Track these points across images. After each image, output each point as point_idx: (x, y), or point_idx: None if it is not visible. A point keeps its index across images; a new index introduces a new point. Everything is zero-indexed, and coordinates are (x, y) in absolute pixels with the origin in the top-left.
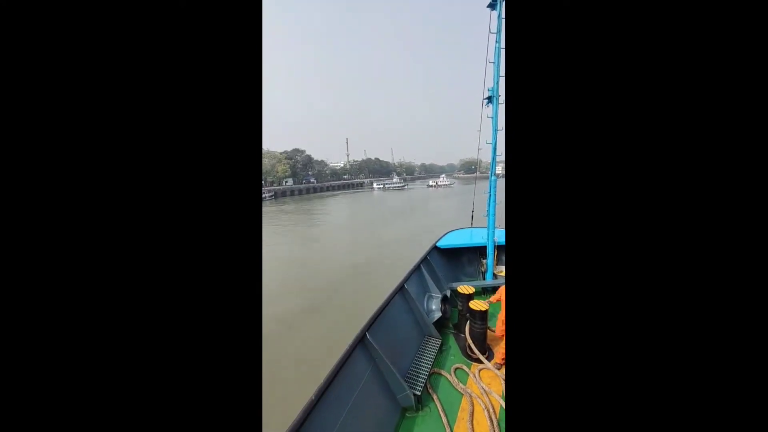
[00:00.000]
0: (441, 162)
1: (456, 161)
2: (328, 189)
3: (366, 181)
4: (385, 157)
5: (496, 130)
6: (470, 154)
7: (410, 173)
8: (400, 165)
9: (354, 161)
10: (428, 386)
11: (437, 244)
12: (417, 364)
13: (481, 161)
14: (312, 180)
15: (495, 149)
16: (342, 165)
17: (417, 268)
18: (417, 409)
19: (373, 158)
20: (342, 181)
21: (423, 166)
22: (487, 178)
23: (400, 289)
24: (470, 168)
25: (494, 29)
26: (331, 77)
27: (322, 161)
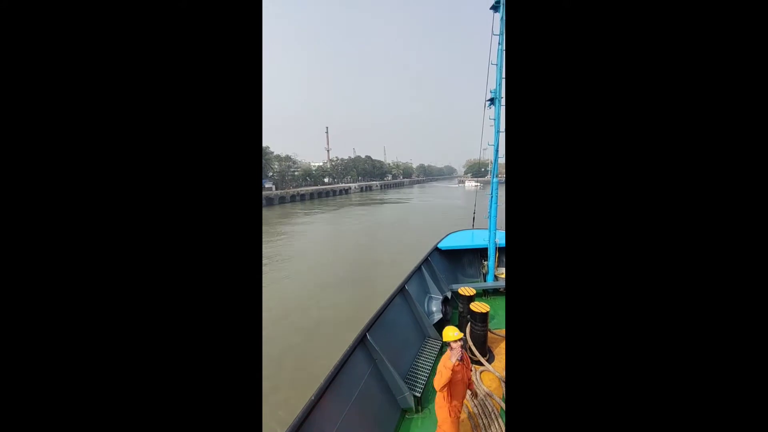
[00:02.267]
0: (440, 164)
1: (459, 163)
2: (293, 199)
3: (353, 186)
4: (377, 156)
5: (498, 132)
6: (478, 156)
7: (407, 175)
8: (396, 165)
9: (338, 159)
10: (428, 388)
11: (438, 246)
12: (417, 366)
13: (490, 162)
14: (269, 185)
15: (497, 151)
16: (320, 164)
17: (418, 270)
18: (417, 411)
19: (363, 156)
20: (319, 187)
21: (422, 167)
22: (501, 182)
23: (401, 291)
24: (479, 170)
25: (497, 31)
26: (314, 61)
27: (287, 157)
